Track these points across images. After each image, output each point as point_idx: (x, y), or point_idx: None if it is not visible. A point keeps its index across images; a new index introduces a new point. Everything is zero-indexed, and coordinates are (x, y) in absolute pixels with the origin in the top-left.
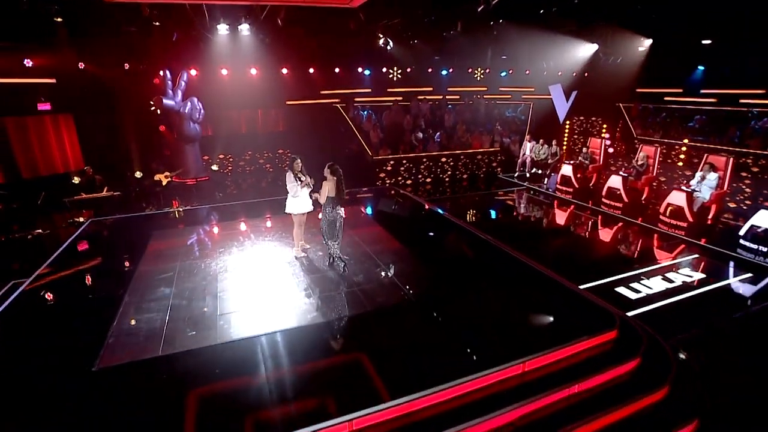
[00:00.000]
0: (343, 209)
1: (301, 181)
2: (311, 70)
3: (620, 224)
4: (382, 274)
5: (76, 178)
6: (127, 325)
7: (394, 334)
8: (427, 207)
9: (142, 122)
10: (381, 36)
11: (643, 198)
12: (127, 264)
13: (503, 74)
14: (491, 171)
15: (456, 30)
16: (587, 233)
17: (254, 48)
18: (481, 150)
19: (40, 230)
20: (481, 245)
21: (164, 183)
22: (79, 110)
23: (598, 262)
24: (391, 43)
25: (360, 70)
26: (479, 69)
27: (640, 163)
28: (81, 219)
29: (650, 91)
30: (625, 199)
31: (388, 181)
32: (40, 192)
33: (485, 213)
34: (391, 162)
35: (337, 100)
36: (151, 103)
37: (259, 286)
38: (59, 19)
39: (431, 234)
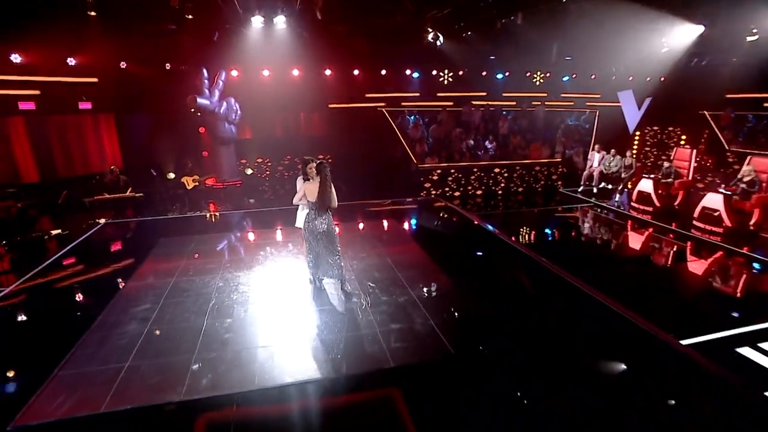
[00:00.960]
0: (330, 218)
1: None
2: (356, 72)
3: (720, 254)
4: (415, 308)
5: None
6: (79, 365)
7: (424, 408)
8: (476, 223)
9: (182, 123)
10: (430, 30)
11: (752, 222)
12: (113, 279)
13: (565, 79)
14: (551, 184)
15: (515, 18)
16: (675, 264)
17: (296, 48)
18: (540, 161)
19: (59, 231)
20: (541, 274)
21: (189, 186)
22: (119, 110)
23: (697, 305)
24: (441, 38)
25: (408, 72)
26: (539, 73)
27: (747, 178)
28: (102, 220)
29: (745, 97)
30: (727, 223)
31: (433, 192)
32: (62, 191)
33: (544, 232)
34: (438, 171)
35: (382, 104)
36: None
37: (253, 320)
38: (93, 13)
39: (479, 257)
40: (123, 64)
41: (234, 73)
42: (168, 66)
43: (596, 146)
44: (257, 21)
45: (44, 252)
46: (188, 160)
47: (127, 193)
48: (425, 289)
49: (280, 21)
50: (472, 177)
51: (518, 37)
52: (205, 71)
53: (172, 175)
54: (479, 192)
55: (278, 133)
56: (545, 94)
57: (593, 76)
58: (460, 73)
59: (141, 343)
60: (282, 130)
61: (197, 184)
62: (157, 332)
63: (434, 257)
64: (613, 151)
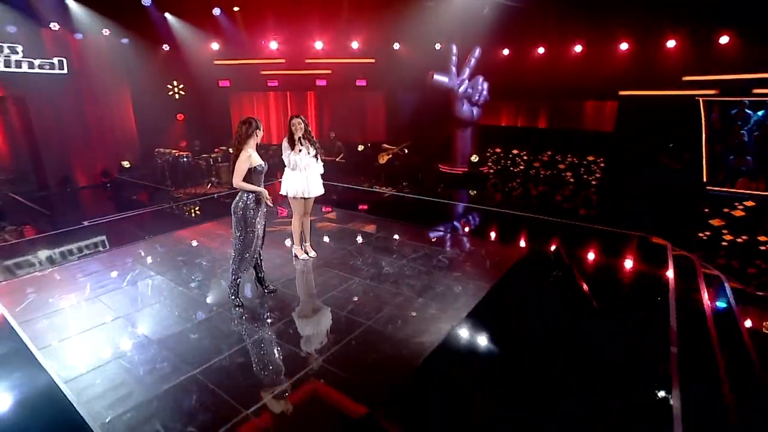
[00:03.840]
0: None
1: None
2: (671, 43)
3: None
4: None
5: (360, 146)
6: None
7: None
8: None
9: (436, 101)
10: None
11: None
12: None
13: None
14: None
15: None
16: None
17: (579, 18)
18: None
19: None
20: None
21: (382, 161)
22: (389, 87)
23: None
24: None
25: None
26: None
27: None
28: None
29: None
30: None
31: (726, 238)
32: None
33: None
34: (748, 202)
35: (712, 92)
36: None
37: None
38: None
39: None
40: (396, 45)
41: (505, 51)
42: (438, 46)
43: None
44: None
45: None
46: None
47: (337, 159)
48: None
49: None
50: None
51: None
52: (453, 48)
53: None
54: None
55: (544, 123)
56: None
57: None
58: None
59: None
60: (549, 119)
61: (389, 156)
62: None
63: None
64: None
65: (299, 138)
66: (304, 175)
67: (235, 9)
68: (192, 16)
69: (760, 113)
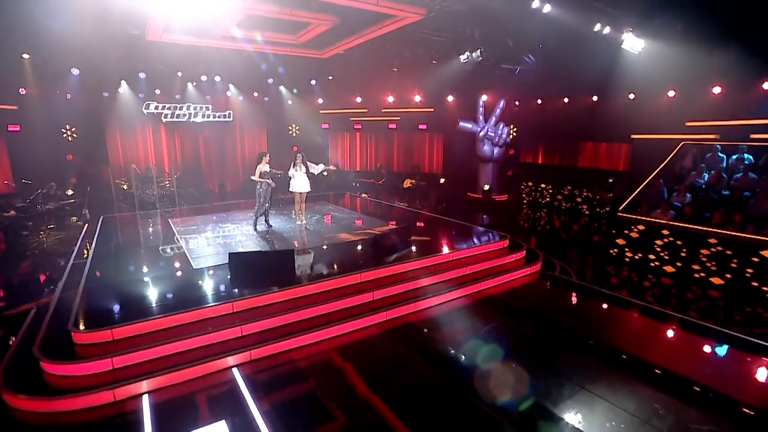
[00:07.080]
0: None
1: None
2: (670, 93)
3: None
4: None
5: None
6: None
7: None
8: None
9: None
10: None
11: None
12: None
13: None
14: None
15: None
16: None
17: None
18: None
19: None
20: None
21: (405, 186)
22: (447, 130)
23: None
24: None
25: None
26: None
27: None
28: (365, 195)
29: None
30: None
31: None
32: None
33: None
34: (639, 227)
35: (711, 136)
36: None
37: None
38: (395, 69)
39: None
40: (450, 98)
41: (539, 101)
42: (485, 97)
43: None
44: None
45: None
46: (417, 164)
47: (378, 182)
48: None
49: (476, 56)
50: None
51: None
52: (480, 100)
53: (409, 184)
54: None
55: (566, 162)
56: None
57: None
58: None
59: None
60: (570, 159)
61: (411, 185)
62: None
63: None
64: None
65: (299, 162)
66: (297, 180)
67: (330, 77)
68: (301, 85)
69: (734, 157)
